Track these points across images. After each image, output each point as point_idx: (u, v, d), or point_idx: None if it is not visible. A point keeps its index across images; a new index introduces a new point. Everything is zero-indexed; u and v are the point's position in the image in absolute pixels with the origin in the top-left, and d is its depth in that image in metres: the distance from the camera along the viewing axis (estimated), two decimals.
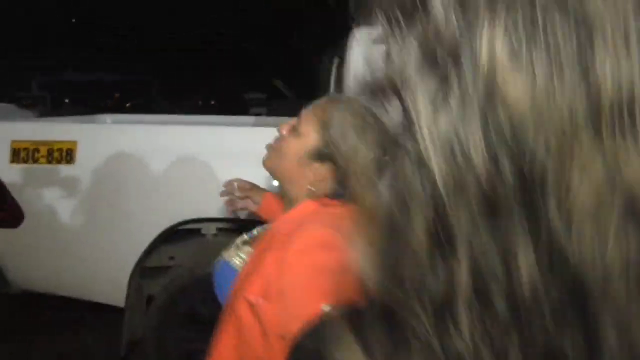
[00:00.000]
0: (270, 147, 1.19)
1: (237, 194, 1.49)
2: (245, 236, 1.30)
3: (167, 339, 2.38)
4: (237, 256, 1.14)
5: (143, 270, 2.50)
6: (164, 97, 12.92)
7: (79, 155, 2.34)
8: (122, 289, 2.36)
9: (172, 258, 2.60)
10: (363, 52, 2.40)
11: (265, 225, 1.34)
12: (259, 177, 2.29)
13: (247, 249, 1.14)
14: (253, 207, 1.50)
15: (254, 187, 1.52)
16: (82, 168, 2.33)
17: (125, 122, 3.49)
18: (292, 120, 1.17)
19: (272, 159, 1.17)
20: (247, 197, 1.50)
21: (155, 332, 2.39)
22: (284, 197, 1.20)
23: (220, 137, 2.49)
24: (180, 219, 2.35)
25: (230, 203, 1.51)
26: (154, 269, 2.58)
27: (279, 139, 1.17)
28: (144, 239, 2.35)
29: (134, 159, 2.34)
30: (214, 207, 2.17)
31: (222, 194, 1.51)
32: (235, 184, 1.51)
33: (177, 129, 2.67)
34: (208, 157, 2.34)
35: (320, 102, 1.17)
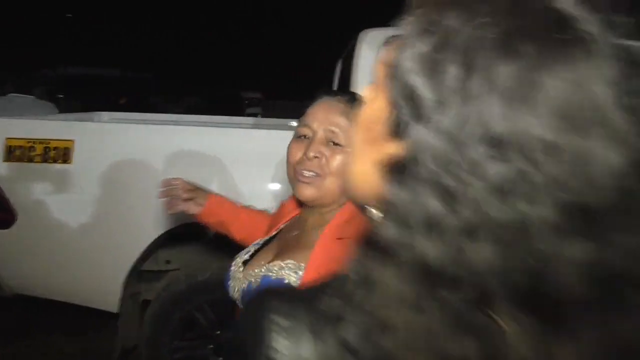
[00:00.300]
0: (309, 179, 1.07)
1: (184, 195, 1.40)
2: (245, 256, 1.19)
3: (162, 346, 2.32)
4: (292, 273, 1.03)
5: (139, 274, 2.44)
6: (161, 94, 12.85)
7: (76, 154, 2.26)
8: (117, 294, 2.29)
9: (168, 262, 2.53)
10: (373, 53, 2.35)
11: (265, 241, 1.24)
12: (259, 178, 2.25)
13: (292, 262, 1.04)
14: (195, 210, 1.41)
15: (198, 188, 1.44)
16: (78, 168, 2.26)
17: (123, 120, 3.42)
18: (317, 141, 1.07)
19: (322, 187, 1.07)
20: (190, 198, 1.41)
21: (150, 339, 2.33)
22: (316, 209, 1.11)
23: (220, 138, 2.43)
24: (178, 222, 2.28)
25: (169, 205, 1.42)
26: (150, 273, 2.52)
27: (319, 164, 1.07)
28: (141, 242, 2.28)
29: (132, 159, 2.27)
30: None
31: (162, 194, 1.42)
32: (178, 183, 1.42)
33: (176, 129, 2.61)
34: (208, 158, 2.28)
35: (336, 106, 1.08)
